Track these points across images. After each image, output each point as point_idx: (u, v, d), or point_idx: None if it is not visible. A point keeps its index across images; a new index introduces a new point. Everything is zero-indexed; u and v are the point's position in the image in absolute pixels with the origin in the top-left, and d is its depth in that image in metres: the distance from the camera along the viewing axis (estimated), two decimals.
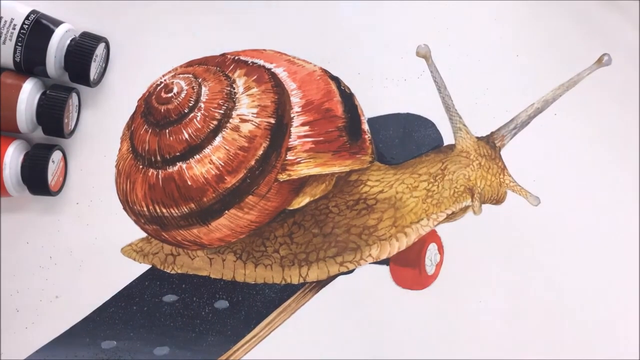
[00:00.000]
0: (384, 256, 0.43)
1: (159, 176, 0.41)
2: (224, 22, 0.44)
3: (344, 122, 0.43)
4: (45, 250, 0.42)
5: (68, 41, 0.40)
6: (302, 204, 0.42)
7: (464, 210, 0.44)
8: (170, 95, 0.41)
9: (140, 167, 0.41)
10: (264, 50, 0.44)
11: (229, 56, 0.43)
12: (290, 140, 0.42)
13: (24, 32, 0.39)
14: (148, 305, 0.42)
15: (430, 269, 0.44)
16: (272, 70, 0.43)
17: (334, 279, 0.43)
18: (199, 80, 0.42)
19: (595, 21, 0.45)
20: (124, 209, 0.42)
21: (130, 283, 0.42)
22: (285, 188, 0.42)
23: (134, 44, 0.43)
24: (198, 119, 0.41)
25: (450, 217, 0.44)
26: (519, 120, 0.44)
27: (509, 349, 0.44)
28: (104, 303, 0.42)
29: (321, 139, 0.42)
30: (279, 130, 0.41)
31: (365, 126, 0.44)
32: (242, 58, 0.43)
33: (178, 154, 0.41)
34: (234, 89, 0.42)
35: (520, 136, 0.45)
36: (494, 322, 0.44)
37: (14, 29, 0.39)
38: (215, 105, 0.41)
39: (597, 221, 0.44)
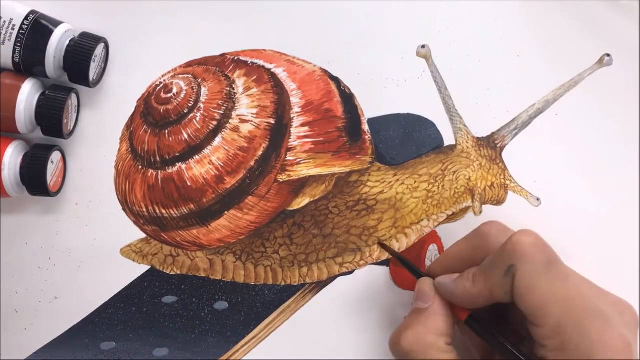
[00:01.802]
0: (384, 257, 0.42)
1: (159, 177, 0.41)
2: (223, 22, 0.44)
3: (344, 122, 0.43)
4: (44, 251, 0.42)
5: (67, 41, 0.40)
6: (302, 204, 0.42)
7: (464, 211, 0.43)
8: (169, 95, 0.41)
9: (140, 167, 0.41)
10: (263, 50, 0.44)
11: (228, 56, 0.43)
12: (290, 140, 0.41)
13: (23, 32, 0.39)
14: (147, 307, 0.42)
15: None
16: (272, 70, 0.43)
17: (333, 280, 0.43)
18: (199, 81, 0.42)
19: (596, 21, 0.45)
20: (123, 209, 0.42)
21: (130, 284, 0.42)
22: (285, 189, 0.42)
23: (133, 45, 0.43)
24: (197, 119, 0.40)
25: (451, 218, 0.43)
26: (519, 121, 0.44)
27: None
28: (103, 304, 0.42)
29: (321, 139, 0.42)
30: (278, 131, 0.41)
31: (366, 127, 0.44)
32: (241, 58, 0.43)
33: (177, 154, 0.41)
34: (233, 89, 0.41)
35: (521, 137, 0.44)
36: None
37: (13, 29, 0.39)
38: (215, 106, 0.41)
39: (597, 221, 0.44)
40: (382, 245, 0.41)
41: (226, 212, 0.41)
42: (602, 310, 0.31)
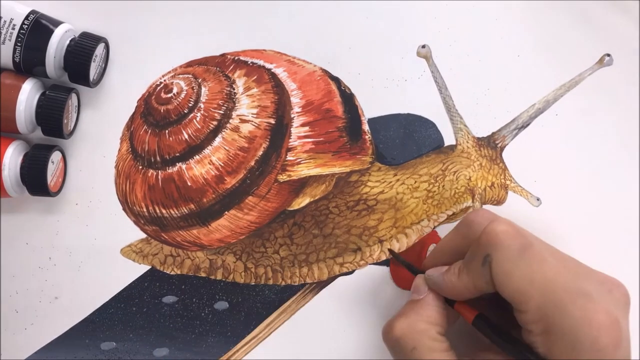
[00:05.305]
0: (384, 257, 0.42)
1: (159, 177, 0.41)
2: (224, 22, 0.44)
3: (344, 122, 0.43)
4: (45, 251, 0.42)
5: (67, 41, 0.40)
6: (302, 204, 0.42)
7: (464, 211, 0.43)
8: (169, 95, 0.41)
9: (140, 167, 0.41)
10: (264, 50, 0.44)
11: (228, 56, 0.43)
12: (290, 140, 0.41)
13: (24, 32, 0.39)
14: (148, 306, 0.42)
15: None
16: (272, 70, 0.43)
17: (334, 279, 0.43)
18: (199, 81, 0.42)
19: (596, 21, 0.45)
20: (124, 209, 0.42)
21: (130, 284, 0.42)
22: (285, 189, 0.42)
23: (133, 44, 0.43)
24: (198, 119, 0.41)
25: (451, 218, 0.43)
26: (520, 121, 0.44)
27: None
28: (103, 304, 0.42)
29: (321, 139, 0.42)
30: (279, 131, 0.41)
31: (366, 126, 0.44)
32: (242, 58, 0.43)
33: (178, 154, 0.41)
34: (233, 89, 0.41)
35: (521, 137, 0.44)
36: None
37: (13, 29, 0.39)
38: (215, 106, 0.41)
39: (597, 222, 0.44)
40: (390, 251, 0.42)
41: (226, 212, 0.41)
42: (584, 288, 0.31)
